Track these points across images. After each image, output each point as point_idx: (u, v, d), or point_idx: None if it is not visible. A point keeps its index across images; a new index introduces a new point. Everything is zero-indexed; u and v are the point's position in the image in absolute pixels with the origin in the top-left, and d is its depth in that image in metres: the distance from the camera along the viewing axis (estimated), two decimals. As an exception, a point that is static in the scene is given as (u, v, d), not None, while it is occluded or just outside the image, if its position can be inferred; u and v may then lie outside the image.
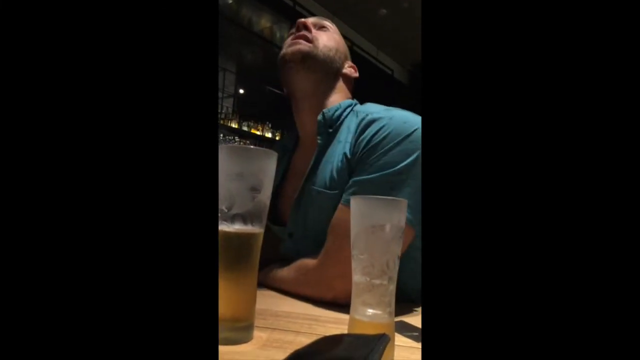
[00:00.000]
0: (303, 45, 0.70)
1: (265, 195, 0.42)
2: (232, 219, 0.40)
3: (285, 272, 0.65)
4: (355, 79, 0.78)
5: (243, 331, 0.41)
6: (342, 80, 0.75)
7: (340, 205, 0.61)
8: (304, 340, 0.37)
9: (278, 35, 3.06)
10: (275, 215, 0.77)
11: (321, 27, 0.74)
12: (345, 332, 0.40)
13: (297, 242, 0.70)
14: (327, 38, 0.73)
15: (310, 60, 0.69)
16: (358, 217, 0.40)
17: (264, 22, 3.02)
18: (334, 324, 0.48)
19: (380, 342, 0.30)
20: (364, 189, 0.59)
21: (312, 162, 0.69)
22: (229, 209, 0.40)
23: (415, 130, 0.59)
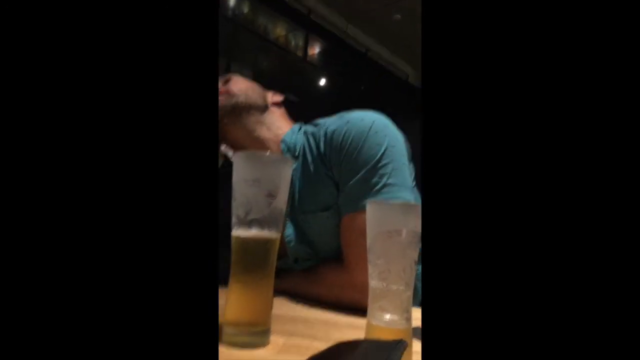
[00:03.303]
0: (222, 99, 0.72)
1: (282, 201, 0.42)
2: (249, 224, 0.41)
3: (306, 276, 0.66)
4: (283, 102, 0.80)
5: (260, 336, 0.41)
6: (276, 108, 0.78)
7: (345, 216, 0.63)
8: (321, 346, 0.36)
9: (293, 43, 3.09)
10: None
11: (225, 82, 0.77)
12: (362, 337, 0.40)
13: (304, 265, 0.71)
14: (235, 84, 0.76)
15: (238, 107, 0.72)
16: (374, 222, 0.40)
17: (279, 31, 3.07)
18: (350, 329, 0.48)
19: (398, 348, 0.29)
20: (358, 190, 0.61)
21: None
22: (246, 214, 0.41)
23: (373, 122, 0.63)
